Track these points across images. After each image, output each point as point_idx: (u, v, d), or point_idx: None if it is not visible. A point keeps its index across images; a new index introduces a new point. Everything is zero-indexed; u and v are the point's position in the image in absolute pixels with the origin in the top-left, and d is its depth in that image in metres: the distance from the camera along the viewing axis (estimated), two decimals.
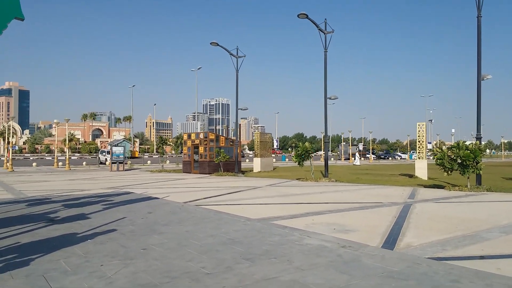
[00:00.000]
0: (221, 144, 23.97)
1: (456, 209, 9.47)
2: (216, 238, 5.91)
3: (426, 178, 19.52)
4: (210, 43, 23.23)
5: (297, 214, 8.31)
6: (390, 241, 5.84)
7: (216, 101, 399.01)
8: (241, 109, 25.07)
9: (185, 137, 25.38)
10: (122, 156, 29.12)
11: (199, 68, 54.93)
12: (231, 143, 24.76)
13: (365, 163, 48.07)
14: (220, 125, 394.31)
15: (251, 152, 72.96)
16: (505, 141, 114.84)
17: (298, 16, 17.64)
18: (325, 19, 18.73)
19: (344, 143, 60.16)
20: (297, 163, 18.77)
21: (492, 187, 14.02)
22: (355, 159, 42.80)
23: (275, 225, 6.92)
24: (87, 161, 47.09)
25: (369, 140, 64.97)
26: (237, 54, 23.58)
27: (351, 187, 15.07)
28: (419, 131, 20.43)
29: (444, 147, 14.78)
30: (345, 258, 4.80)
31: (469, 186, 13.62)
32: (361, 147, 62.02)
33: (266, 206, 9.71)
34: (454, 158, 13.48)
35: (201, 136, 24.07)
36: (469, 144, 13.65)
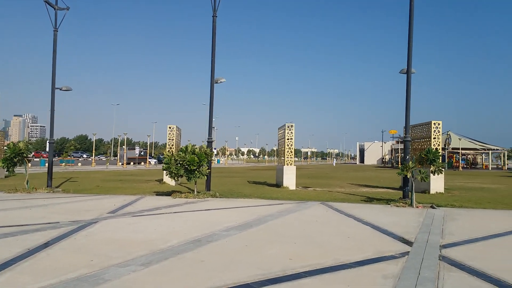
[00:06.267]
0: None
1: (147, 224, 7.74)
2: None
3: (174, 184, 18.37)
4: None
5: None
6: None
7: None
8: None
9: None
10: None
11: None
12: None
13: (142, 168, 45.80)
14: None
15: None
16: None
17: None
18: None
19: (124, 146, 55.77)
20: (4, 169, 14.16)
21: (220, 192, 13.64)
22: None
23: None
24: None
25: (149, 144, 62.78)
26: None
27: (63, 200, 11.89)
28: (169, 134, 19.18)
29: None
30: None
31: (195, 193, 12.73)
32: (137, 151, 59.02)
33: None
34: (181, 162, 12.32)
35: None
36: (196, 148, 12.78)
